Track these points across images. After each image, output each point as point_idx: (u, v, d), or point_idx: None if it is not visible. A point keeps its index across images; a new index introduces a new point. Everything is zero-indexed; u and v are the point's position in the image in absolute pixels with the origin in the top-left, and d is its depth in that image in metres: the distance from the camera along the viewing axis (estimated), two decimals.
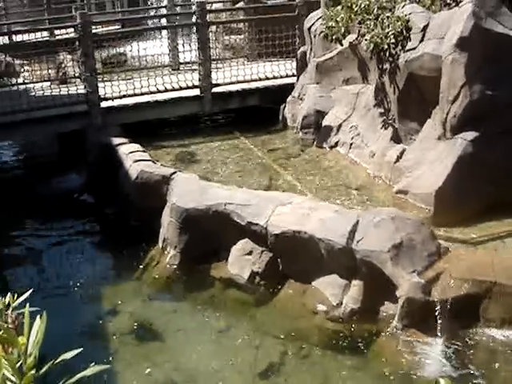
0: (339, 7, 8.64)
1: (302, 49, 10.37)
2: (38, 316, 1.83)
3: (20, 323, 1.77)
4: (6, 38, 15.80)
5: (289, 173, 8.11)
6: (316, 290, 6.06)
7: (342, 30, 8.38)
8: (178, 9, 15.16)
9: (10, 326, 1.67)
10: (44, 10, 22.04)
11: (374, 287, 5.65)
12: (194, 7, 11.06)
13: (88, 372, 1.86)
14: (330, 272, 5.98)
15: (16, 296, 1.68)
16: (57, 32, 16.37)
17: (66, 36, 15.51)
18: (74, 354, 1.88)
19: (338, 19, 8.43)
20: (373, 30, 7.61)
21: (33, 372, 1.62)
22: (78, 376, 1.85)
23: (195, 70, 10.74)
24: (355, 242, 5.68)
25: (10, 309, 1.65)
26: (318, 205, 6.44)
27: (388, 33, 7.31)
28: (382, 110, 7.92)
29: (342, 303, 5.80)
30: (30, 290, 1.69)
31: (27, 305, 1.83)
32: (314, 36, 9.53)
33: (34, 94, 10.30)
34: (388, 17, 7.51)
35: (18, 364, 1.66)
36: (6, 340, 1.67)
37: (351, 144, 8.38)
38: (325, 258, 5.94)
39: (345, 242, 5.70)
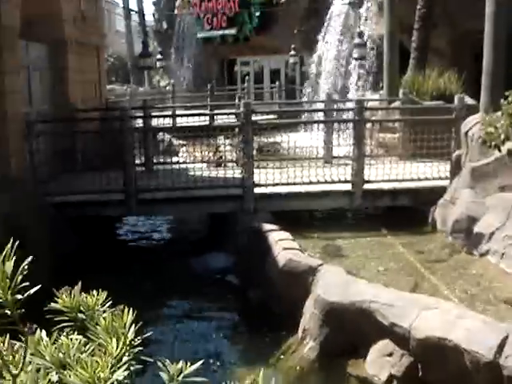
0: (499, 113, 8.58)
1: (457, 152, 10.29)
2: None
3: None
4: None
5: (435, 277, 7.95)
6: None
7: (502, 137, 8.28)
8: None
9: None
10: (207, 96, 23.60)
11: None
12: (348, 104, 11.40)
13: None
14: None
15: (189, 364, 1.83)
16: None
17: (227, 120, 16.49)
18: None
19: (497, 125, 8.36)
20: None
21: None
22: None
23: (347, 164, 10.97)
24: (503, 357, 5.42)
25: (181, 375, 1.79)
26: (465, 313, 6.24)
27: None
28: None
29: None
30: (200, 361, 1.83)
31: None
32: (471, 140, 9.46)
33: (191, 173, 10.94)
34: None
35: None
36: None
37: (503, 254, 8.10)
38: (468, 369, 5.71)
39: (492, 356, 5.46)
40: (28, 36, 10.98)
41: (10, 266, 1.57)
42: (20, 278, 1.57)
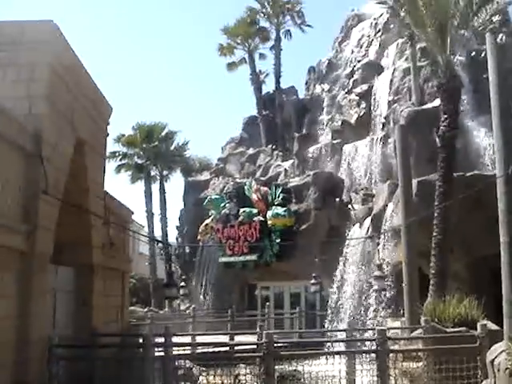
0: None
1: (484, 382, 10.01)
2: None
3: None
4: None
5: None
6: None
7: None
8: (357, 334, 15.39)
9: None
10: (228, 321, 23.62)
11: None
12: (370, 332, 11.27)
13: None
14: None
15: None
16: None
17: (247, 347, 16.20)
18: None
19: None
20: None
21: None
22: None
23: None
24: None
25: None
26: None
27: None
28: None
29: None
30: None
31: None
32: (498, 370, 9.24)
33: None
34: None
35: None
36: None
37: None
38: None
39: None
40: (57, 260, 11.35)
41: None
42: None
